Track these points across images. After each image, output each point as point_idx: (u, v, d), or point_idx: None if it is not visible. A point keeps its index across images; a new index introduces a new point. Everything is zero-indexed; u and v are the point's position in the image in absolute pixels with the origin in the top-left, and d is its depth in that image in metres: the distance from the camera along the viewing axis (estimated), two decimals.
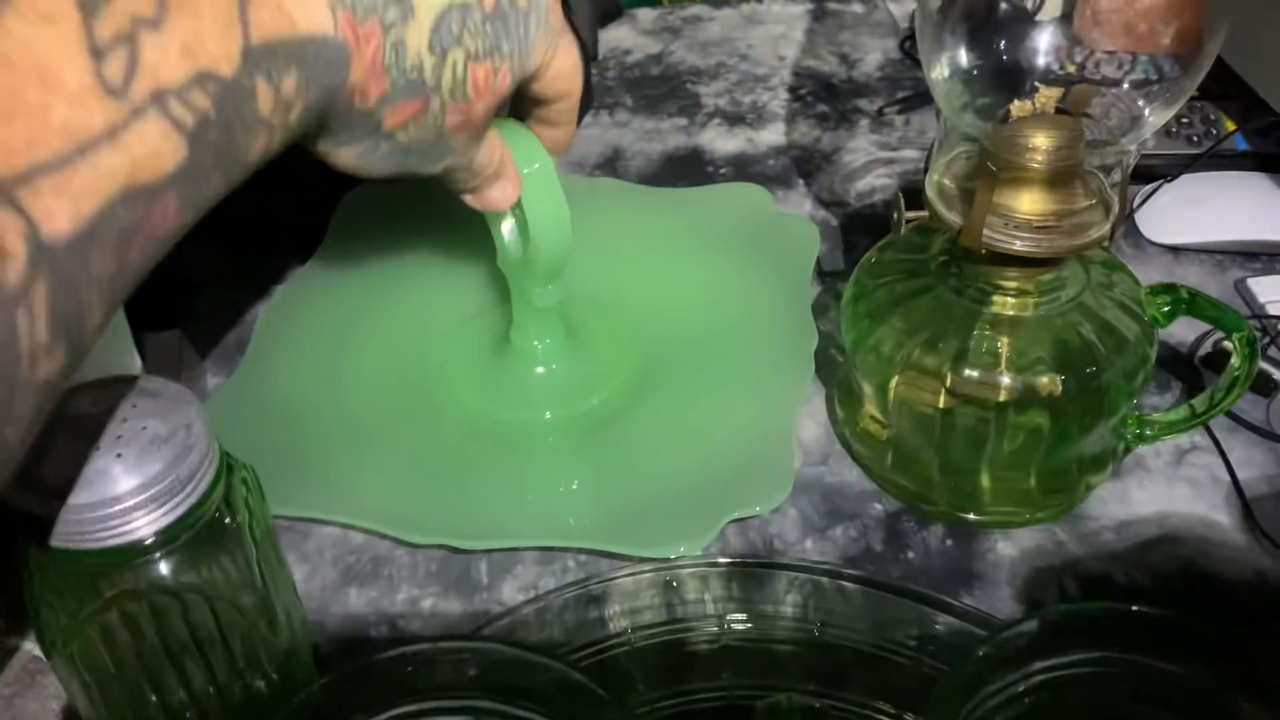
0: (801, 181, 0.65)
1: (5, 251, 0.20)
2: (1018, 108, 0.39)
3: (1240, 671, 0.30)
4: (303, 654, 0.39)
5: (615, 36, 0.80)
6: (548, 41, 0.37)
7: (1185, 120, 0.63)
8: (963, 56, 0.40)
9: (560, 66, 0.39)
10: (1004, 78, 0.40)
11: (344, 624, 0.43)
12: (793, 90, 0.74)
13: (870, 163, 0.66)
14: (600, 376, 0.51)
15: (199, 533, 0.32)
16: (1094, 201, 0.40)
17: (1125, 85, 0.40)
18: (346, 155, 0.34)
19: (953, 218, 0.40)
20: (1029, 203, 0.39)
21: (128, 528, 0.30)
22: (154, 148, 0.23)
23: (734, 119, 0.71)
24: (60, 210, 0.21)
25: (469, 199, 0.43)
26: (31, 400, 0.21)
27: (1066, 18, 0.73)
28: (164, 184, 0.23)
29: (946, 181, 0.41)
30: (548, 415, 0.50)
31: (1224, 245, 0.58)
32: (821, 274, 0.57)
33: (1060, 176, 0.39)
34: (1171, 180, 0.59)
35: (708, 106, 0.72)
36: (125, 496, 0.30)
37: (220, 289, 0.57)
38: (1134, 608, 0.29)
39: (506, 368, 0.51)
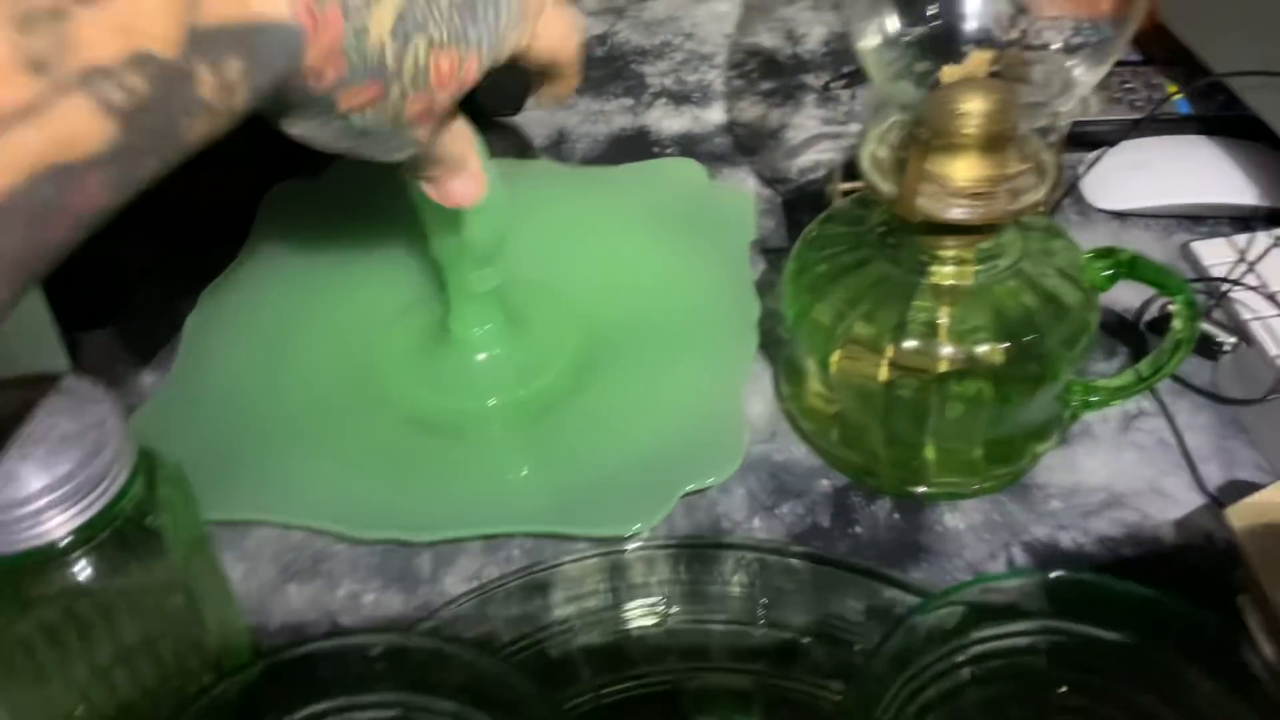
0: (747, 159, 0.64)
1: None
2: (948, 73, 0.39)
3: (1181, 636, 0.30)
4: (239, 656, 0.38)
5: None
6: (521, 26, 0.36)
7: (1130, 86, 0.63)
8: (891, 23, 0.39)
9: (547, 40, 0.38)
10: (935, 43, 0.39)
11: (284, 623, 0.42)
12: (738, 68, 0.73)
13: (814, 137, 0.65)
14: (543, 361, 0.50)
15: (118, 533, 0.31)
16: (1029, 166, 0.39)
17: (1055, 47, 0.39)
18: (297, 128, 0.33)
19: (887, 188, 0.40)
20: (963, 169, 0.39)
21: (39, 529, 0.29)
22: (79, 127, 0.22)
23: (680, 98, 0.70)
24: None
25: (428, 189, 0.41)
26: None
27: None
28: (88, 164, 0.23)
29: (880, 152, 0.41)
30: (491, 402, 0.49)
31: (1169, 209, 0.58)
32: (766, 251, 0.57)
33: (993, 142, 0.38)
34: (1114, 146, 0.59)
35: (653, 86, 0.71)
36: (34, 497, 0.29)
37: (154, 286, 0.56)
38: (1053, 574, 0.29)
39: (447, 357, 0.50)
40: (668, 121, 0.68)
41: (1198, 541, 0.43)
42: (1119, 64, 0.65)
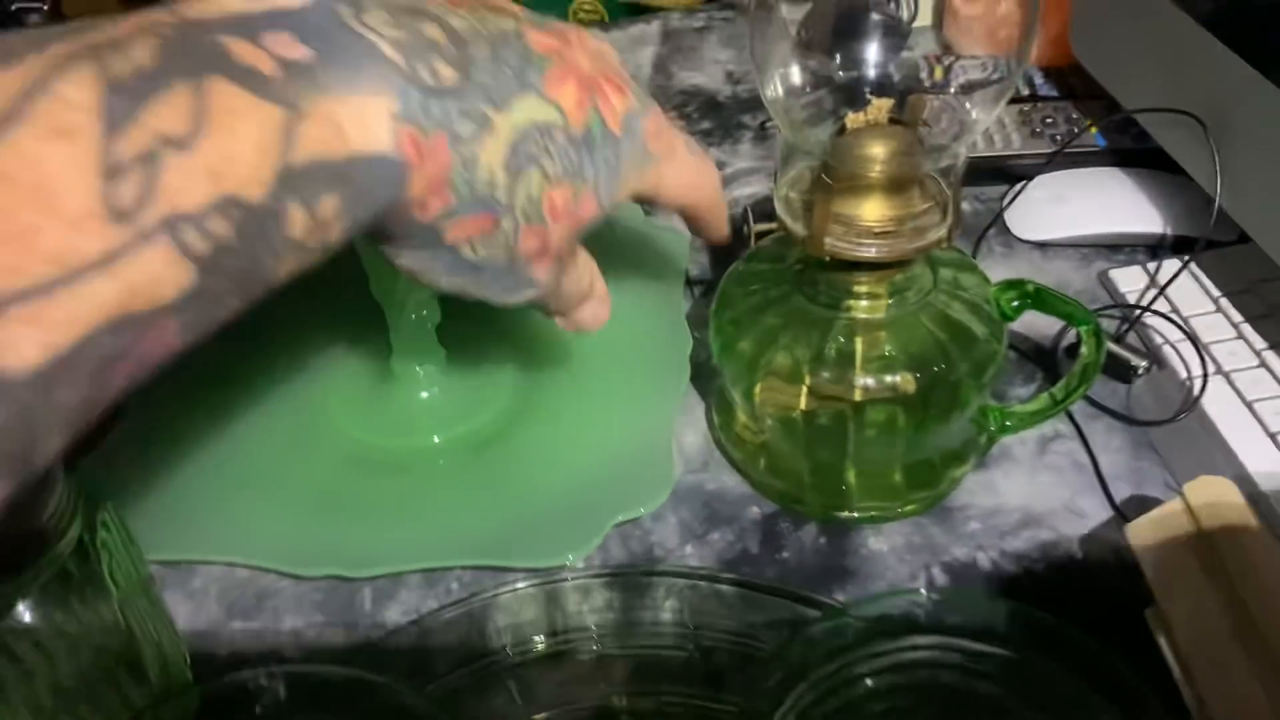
0: None
1: None
2: (852, 120, 0.41)
3: (1077, 659, 0.31)
4: (183, 696, 0.39)
5: None
6: (645, 168, 0.35)
7: (1050, 121, 0.66)
8: (795, 74, 0.41)
9: (675, 185, 0.38)
10: (838, 92, 0.42)
11: (228, 660, 0.43)
12: (679, 108, 0.75)
13: (749, 175, 0.68)
14: (482, 398, 0.52)
15: (56, 574, 0.33)
16: (931, 205, 0.41)
17: (951, 91, 0.42)
18: (407, 260, 0.31)
19: (798, 228, 0.42)
20: (869, 210, 0.41)
21: None
22: (155, 275, 0.21)
23: None
24: (28, 341, 0.19)
25: (559, 321, 0.41)
26: None
27: (937, 26, 0.75)
28: (162, 312, 0.22)
29: (793, 194, 0.43)
30: (435, 440, 0.51)
31: (1088, 239, 0.61)
32: (700, 286, 0.59)
33: (897, 183, 0.41)
34: (1031, 179, 0.61)
35: None
36: None
37: None
38: (944, 591, 0.31)
39: (390, 395, 0.51)
40: None
41: (1107, 558, 0.45)
42: (1041, 100, 0.68)
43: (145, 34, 0.22)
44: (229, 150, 0.22)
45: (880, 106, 0.41)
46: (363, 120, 0.26)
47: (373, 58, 0.26)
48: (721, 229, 0.43)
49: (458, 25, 0.29)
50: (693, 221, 0.42)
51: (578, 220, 0.33)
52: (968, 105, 0.42)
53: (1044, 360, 0.54)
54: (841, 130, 0.41)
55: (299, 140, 0.24)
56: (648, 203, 0.38)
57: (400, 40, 0.27)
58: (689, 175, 0.38)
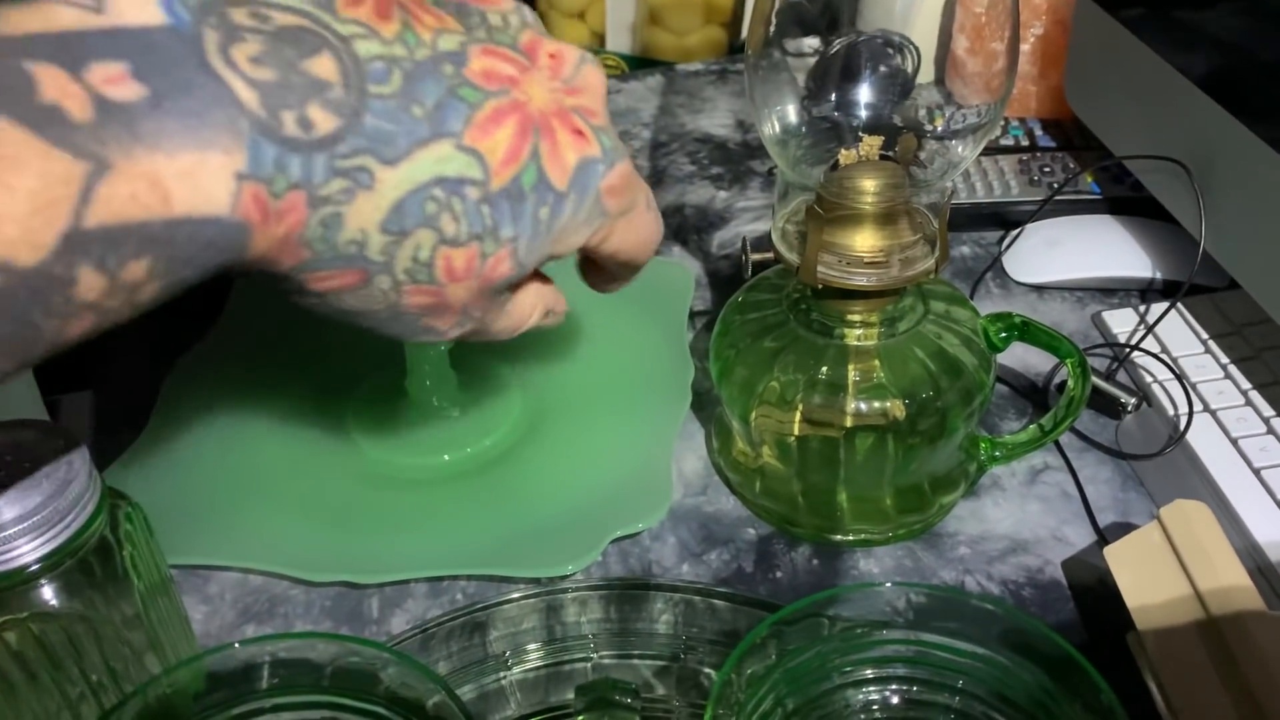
0: (694, 235, 0.69)
1: None
2: (845, 156, 0.43)
3: (1034, 654, 0.33)
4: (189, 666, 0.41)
5: None
6: (592, 224, 0.30)
7: (1048, 170, 0.68)
8: (791, 114, 0.44)
9: (622, 243, 0.32)
10: (831, 131, 0.44)
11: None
12: (691, 155, 0.78)
13: (755, 216, 0.70)
14: (493, 419, 0.54)
15: (82, 562, 0.35)
16: (920, 237, 0.43)
17: (939, 130, 0.44)
18: (286, 295, 0.28)
19: (793, 258, 0.44)
20: (860, 241, 0.43)
21: (11, 554, 0.33)
22: None
23: None
24: None
25: None
26: None
27: (940, 81, 0.79)
28: None
29: (789, 227, 0.45)
30: (445, 458, 0.53)
31: (1081, 282, 0.63)
32: (695, 317, 0.61)
33: (887, 216, 0.43)
34: (1027, 224, 0.64)
35: None
36: (7, 525, 0.32)
37: (133, 355, 0.60)
38: (913, 587, 0.32)
39: (404, 416, 0.54)
40: None
41: (1092, 584, 0.46)
42: (1041, 150, 0.71)
43: None
44: None
45: (871, 143, 0.43)
46: (194, 179, 0.22)
47: (222, 104, 0.23)
48: (626, 284, 0.37)
49: (370, 51, 0.25)
50: (612, 274, 0.36)
51: (485, 281, 0.29)
52: (954, 143, 0.44)
53: (1036, 397, 0.56)
54: (835, 165, 0.43)
55: (97, 199, 0.21)
56: (580, 253, 0.33)
57: (266, 82, 0.23)
58: (639, 236, 0.33)
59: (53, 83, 0.21)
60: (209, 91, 0.22)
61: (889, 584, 0.31)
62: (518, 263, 0.29)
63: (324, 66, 0.24)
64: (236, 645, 0.31)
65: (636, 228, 0.32)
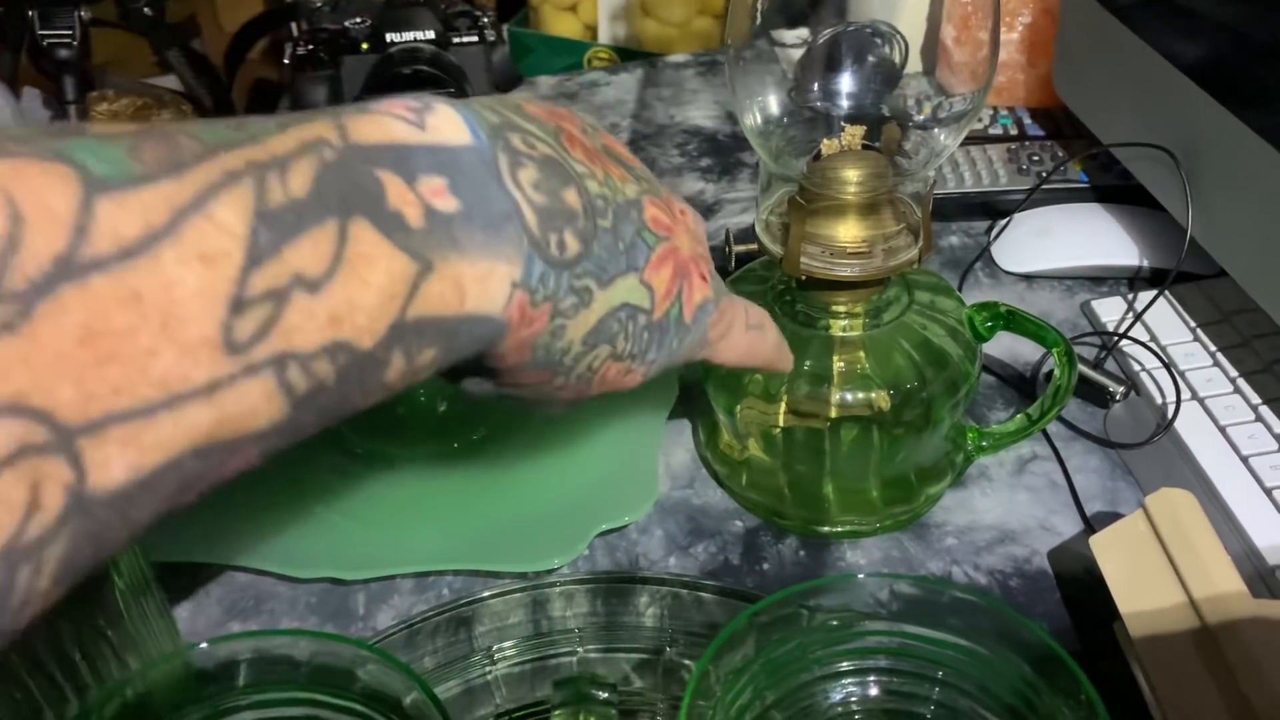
0: None
1: (38, 504, 0.18)
2: (827, 146, 0.43)
3: (1014, 643, 0.33)
4: (181, 691, 0.41)
5: None
6: (697, 350, 0.36)
7: (1036, 159, 0.68)
8: (773, 104, 0.44)
9: (724, 358, 0.38)
10: (813, 121, 0.44)
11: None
12: (680, 146, 0.78)
13: (743, 208, 0.70)
14: (479, 413, 0.53)
15: None
16: (903, 227, 0.43)
17: (922, 119, 0.44)
18: (454, 378, 0.31)
19: (776, 250, 0.44)
20: (843, 231, 0.43)
21: None
22: (251, 407, 0.21)
23: None
24: (119, 461, 0.19)
25: None
26: (4, 640, 0.19)
27: (929, 71, 0.78)
28: (249, 439, 0.21)
29: (772, 219, 0.45)
30: (431, 453, 0.53)
31: (1070, 271, 0.62)
32: None
33: (870, 205, 0.43)
34: (1015, 213, 0.63)
35: None
36: None
37: None
38: (893, 578, 0.32)
39: (388, 407, 0.53)
40: None
41: (1079, 573, 0.46)
42: (1029, 139, 0.71)
43: (308, 153, 0.22)
44: (355, 298, 0.22)
45: (854, 133, 0.43)
46: (485, 283, 0.25)
47: (512, 222, 0.26)
48: (781, 370, 0.42)
49: (594, 190, 0.29)
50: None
51: (614, 387, 0.33)
52: (937, 132, 0.44)
53: (1025, 387, 0.56)
54: (817, 155, 0.43)
55: (421, 296, 0.24)
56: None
57: (542, 207, 0.27)
58: (738, 352, 0.38)
59: (396, 192, 0.24)
60: (505, 209, 0.26)
61: (870, 575, 0.31)
62: (645, 377, 0.34)
63: (573, 199, 0.28)
64: (205, 644, 0.31)
65: (734, 346, 0.38)
